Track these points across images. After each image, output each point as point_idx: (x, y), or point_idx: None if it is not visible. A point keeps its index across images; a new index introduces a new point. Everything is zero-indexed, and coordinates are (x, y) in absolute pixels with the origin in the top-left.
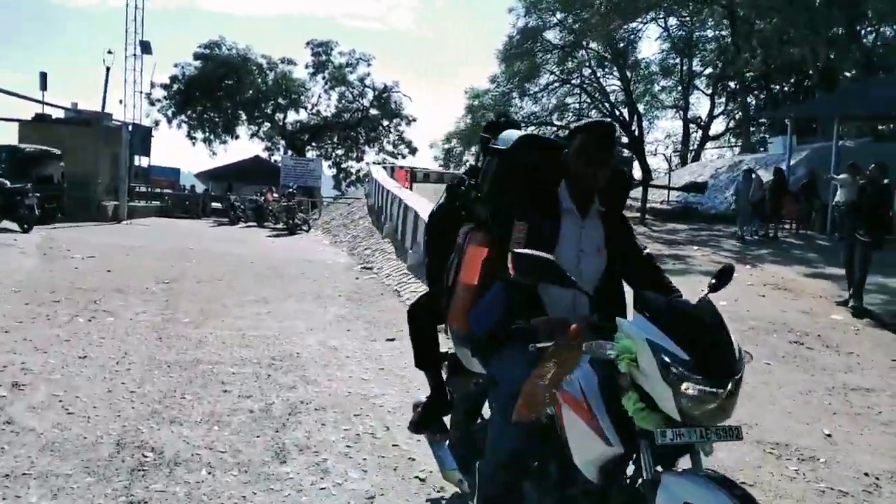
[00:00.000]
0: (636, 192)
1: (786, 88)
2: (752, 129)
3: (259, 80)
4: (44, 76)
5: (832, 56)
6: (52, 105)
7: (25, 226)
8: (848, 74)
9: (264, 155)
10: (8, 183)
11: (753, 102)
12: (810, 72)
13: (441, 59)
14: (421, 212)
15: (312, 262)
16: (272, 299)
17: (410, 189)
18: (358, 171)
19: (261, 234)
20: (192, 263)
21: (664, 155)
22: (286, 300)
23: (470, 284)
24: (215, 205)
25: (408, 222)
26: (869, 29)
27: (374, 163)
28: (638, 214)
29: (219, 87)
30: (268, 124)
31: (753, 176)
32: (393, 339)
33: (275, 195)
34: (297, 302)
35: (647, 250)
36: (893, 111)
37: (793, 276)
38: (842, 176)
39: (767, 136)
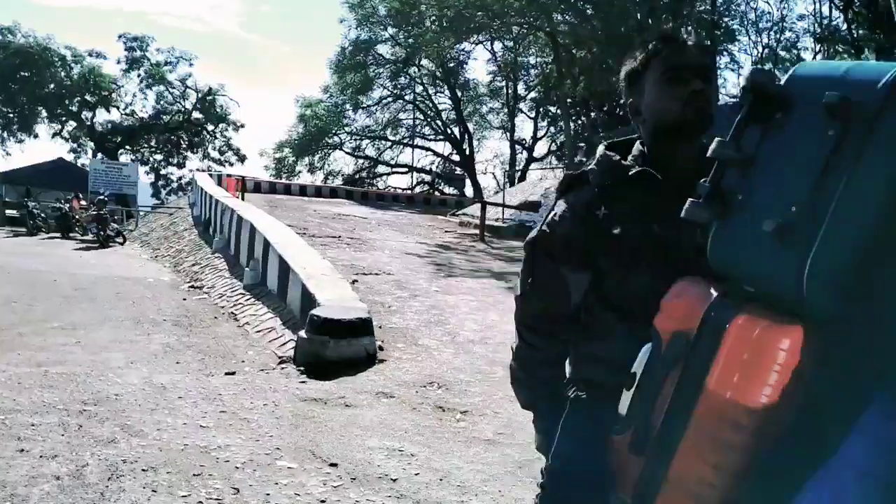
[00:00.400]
0: (474, 210)
1: (604, 114)
2: (566, 152)
3: (62, 73)
4: None
5: None
6: None
7: None
8: None
9: (69, 157)
10: None
11: (573, 127)
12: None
13: (269, 66)
14: (259, 225)
15: (130, 281)
16: (82, 325)
17: (242, 199)
18: (180, 178)
19: (66, 248)
20: None
21: (493, 174)
22: (100, 327)
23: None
24: (10, 212)
25: (242, 237)
26: None
27: (198, 170)
28: (476, 231)
29: (13, 80)
30: (73, 123)
31: None
32: (233, 373)
33: (83, 203)
34: (113, 329)
35: None
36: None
37: None
38: None
39: (585, 160)
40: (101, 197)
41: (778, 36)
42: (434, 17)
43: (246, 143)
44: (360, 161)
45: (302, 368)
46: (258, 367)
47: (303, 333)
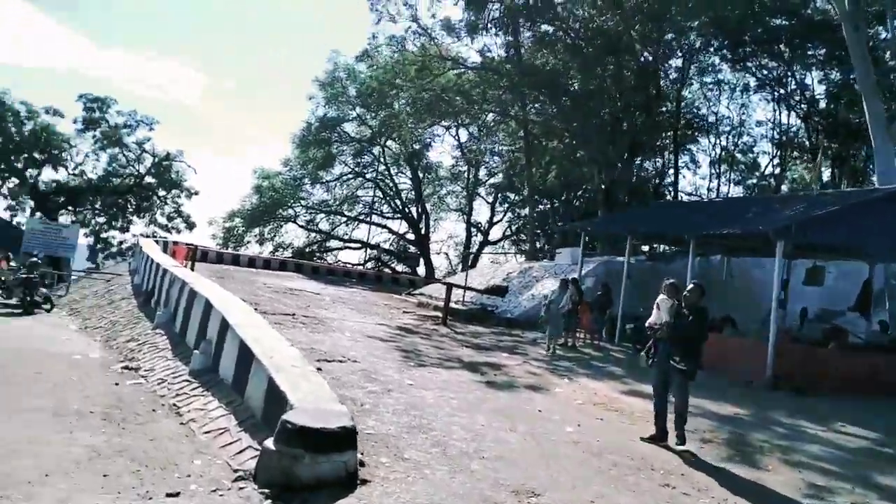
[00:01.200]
0: (430, 290)
1: (573, 202)
2: (526, 238)
3: (13, 128)
4: None
5: (612, 180)
6: None
7: None
8: (623, 197)
9: (4, 215)
10: None
11: (527, 213)
12: (589, 188)
13: (226, 137)
14: (215, 301)
15: (54, 357)
16: None
17: (192, 269)
18: (121, 242)
19: None
20: None
21: (446, 254)
22: (10, 419)
23: None
24: None
25: (193, 313)
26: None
27: (143, 235)
28: (436, 313)
29: None
30: (15, 180)
31: (570, 287)
32: (176, 495)
33: (11, 263)
34: (25, 425)
35: None
36: (677, 233)
37: (613, 393)
38: (661, 297)
39: (546, 245)
40: (34, 259)
41: (736, 140)
42: (407, 101)
43: (194, 212)
44: (313, 234)
45: (266, 491)
46: (208, 486)
47: (269, 444)
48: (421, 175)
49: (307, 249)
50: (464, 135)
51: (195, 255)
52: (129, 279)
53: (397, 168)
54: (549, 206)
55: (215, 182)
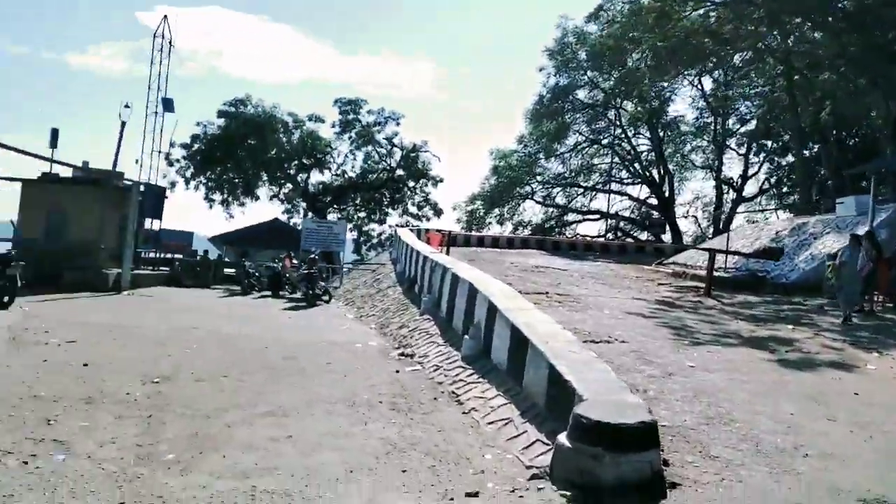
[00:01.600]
0: (683, 258)
1: (847, 142)
2: (793, 189)
3: (284, 138)
4: (55, 133)
5: None
6: (59, 163)
7: (6, 299)
8: None
9: (283, 218)
10: None
11: (789, 161)
12: (868, 124)
13: (462, 123)
14: (480, 285)
15: (338, 347)
16: (292, 409)
17: (447, 255)
18: (380, 234)
19: (276, 307)
20: (192, 351)
21: (694, 217)
22: (310, 411)
23: None
24: (228, 271)
25: (458, 298)
26: None
27: (398, 225)
28: (698, 284)
29: (241, 147)
30: (289, 185)
31: (864, 242)
32: (475, 495)
33: (294, 261)
34: (325, 415)
35: None
36: None
37: None
38: None
39: (818, 196)
40: (313, 255)
41: None
42: (645, 54)
43: (440, 199)
44: (550, 210)
45: (567, 494)
46: (504, 484)
47: (563, 440)
48: (661, 133)
49: (546, 225)
50: (707, 84)
51: (450, 240)
52: (392, 268)
53: (634, 129)
54: (816, 150)
55: (455, 168)
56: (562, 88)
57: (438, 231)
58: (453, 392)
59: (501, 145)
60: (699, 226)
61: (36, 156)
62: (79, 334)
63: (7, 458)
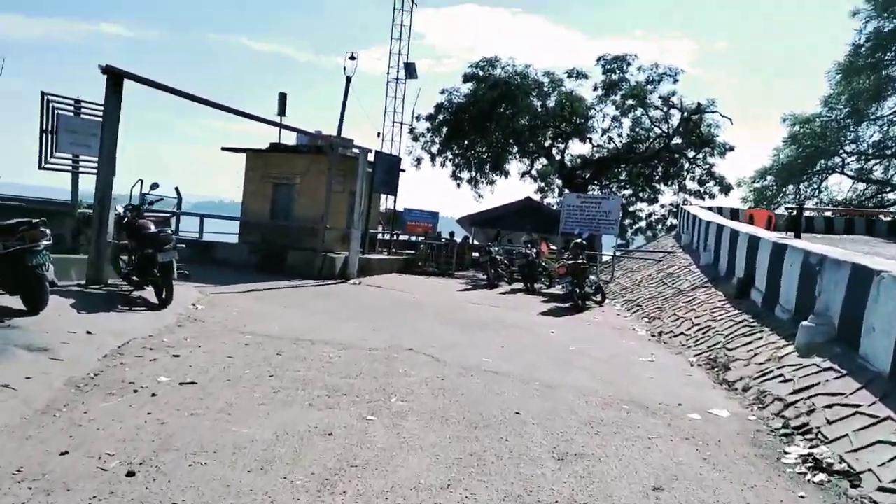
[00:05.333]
0: None
1: None
2: None
3: (538, 102)
4: (283, 97)
5: None
6: (287, 128)
7: (164, 294)
8: None
9: (536, 197)
10: (152, 227)
11: None
12: None
13: (728, 99)
14: None
15: (659, 420)
16: None
17: (799, 237)
18: (649, 215)
19: (530, 311)
20: (401, 403)
21: None
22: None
23: None
24: (476, 255)
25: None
26: None
27: (672, 205)
28: None
29: (489, 116)
30: (544, 160)
31: None
32: None
33: (552, 247)
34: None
35: None
36: None
37: None
38: None
39: None
40: (579, 240)
41: None
42: None
43: (727, 173)
44: (865, 187)
45: None
46: None
47: None
48: None
49: (858, 204)
50: None
51: (800, 222)
52: (689, 258)
53: None
54: None
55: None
56: (884, 35)
57: (798, 205)
58: None
59: (797, 110)
60: None
61: (265, 120)
62: (249, 351)
63: None
